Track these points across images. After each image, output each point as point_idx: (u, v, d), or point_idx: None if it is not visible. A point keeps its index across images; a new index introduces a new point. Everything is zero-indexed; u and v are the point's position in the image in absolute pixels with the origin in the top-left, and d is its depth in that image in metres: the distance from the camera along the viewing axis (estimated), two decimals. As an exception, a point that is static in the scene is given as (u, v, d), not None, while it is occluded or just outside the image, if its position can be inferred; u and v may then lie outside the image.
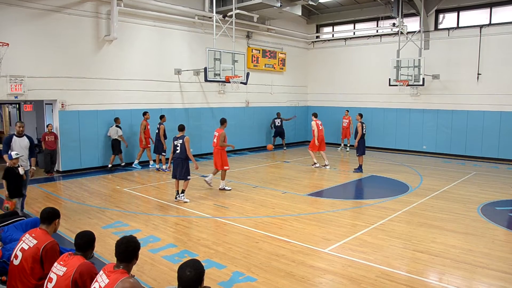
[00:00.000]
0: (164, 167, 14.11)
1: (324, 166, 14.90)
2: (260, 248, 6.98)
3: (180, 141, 10.08)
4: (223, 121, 11.42)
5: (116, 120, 14.11)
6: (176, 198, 10.10)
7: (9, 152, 8.01)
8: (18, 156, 7.94)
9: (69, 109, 13.30)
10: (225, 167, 11.27)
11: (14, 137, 8.47)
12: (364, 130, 13.97)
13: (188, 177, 10.13)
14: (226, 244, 7.21)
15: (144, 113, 14.39)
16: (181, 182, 10.16)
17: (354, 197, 11.59)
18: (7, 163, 7.98)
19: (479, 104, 16.94)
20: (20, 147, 8.41)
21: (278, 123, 19.61)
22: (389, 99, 19.41)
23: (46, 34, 12.60)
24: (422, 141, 18.69)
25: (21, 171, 7.94)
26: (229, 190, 11.26)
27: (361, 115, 14.25)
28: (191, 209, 9.45)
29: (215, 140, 11.35)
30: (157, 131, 14.03)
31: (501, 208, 9.63)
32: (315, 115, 15.30)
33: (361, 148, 14.00)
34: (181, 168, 10.03)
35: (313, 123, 14.92)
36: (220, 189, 11.30)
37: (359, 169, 14.13)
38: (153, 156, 14.75)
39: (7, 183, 7.88)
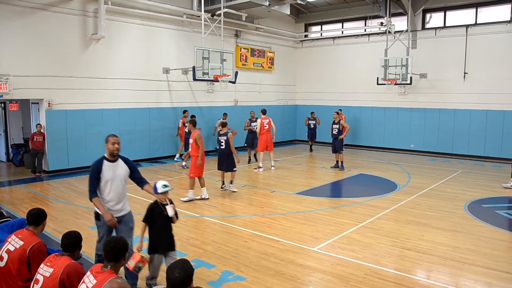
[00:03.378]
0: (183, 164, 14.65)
1: (259, 168, 14.36)
2: (249, 247, 6.98)
3: (225, 137, 10.82)
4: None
5: (224, 115, 16.15)
6: (222, 187, 11.25)
7: (155, 185, 5.31)
8: (167, 189, 5.26)
9: (56, 108, 13.14)
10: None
11: (105, 162, 5.31)
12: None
13: (234, 169, 11.02)
14: (215, 243, 7.20)
15: (184, 111, 15.51)
16: (229, 173, 11.14)
17: (343, 195, 11.64)
18: (158, 197, 5.29)
19: (465, 103, 17.13)
20: (114, 177, 5.30)
21: (255, 128, 15.15)
22: (377, 98, 19.53)
23: (32, 32, 12.44)
24: (409, 140, 18.84)
25: (170, 211, 5.19)
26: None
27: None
28: (179, 208, 9.39)
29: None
30: (187, 130, 14.45)
31: (488, 206, 9.75)
32: (264, 112, 14.84)
33: (342, 146, 14.46)
34: (226, 162, 10.96)
35: (259, 120, 14.46)
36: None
37: (342, 166, 14.36)
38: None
39: (149, 228, 5.37)
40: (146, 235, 5.34)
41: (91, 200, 5.23)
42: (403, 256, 6.65)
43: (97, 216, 5.33)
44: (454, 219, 8.66)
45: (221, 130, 11.01)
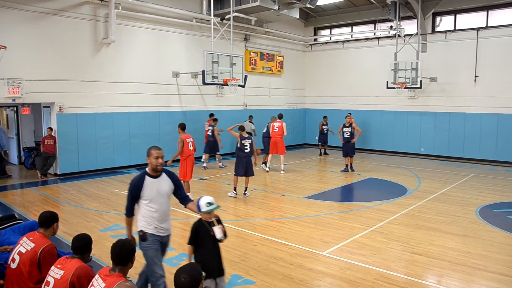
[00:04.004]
0: (220, 164, 15.57)
1: (267, 168, 14.85)
2: (258, 251, 6.97)
3: (249, 141, 10.87)
4: (185, 126, 10.87)
5: (250, 117, 16.66)
6: (245, 194, 10.92)
7: (198, 202, 4.63)
8: (212, 207, 4.58)
9: (67, 112, 13.27)
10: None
11: (147, 178, 4.73)
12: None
13: None
14: (224, 247, 7.11)
15: (211, 115, 15.79)
16: (242, 178, 10.95)
17: (353, 199, 11.59)
18: (203, 217, 4.63)
19: (476, 107, 16.99)
20: (158, 195, 4.74)
21: (265, 133, 15.72)
22: (386, 102, 19.44)
23: (44, 37, 12.59)
24: (420, 144, 18.71)
25: (218, 233, 4.51)
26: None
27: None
28: (188, 212, 9.40)
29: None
30: (210, 133, 15.05)
31: (499, 211, 9.64)
32: (279, 116, 15.06)
33: (354, 149, 14.70)
34: (251, 166, 10.89)
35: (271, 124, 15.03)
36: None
37: (352, 169, 14.59)
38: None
39: (195, 251, 4.66)
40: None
41: (130, 216, 4.82)
42: (413, 261, 6.59)
43: (143, 237, 4.70)
44: (465, 224, 8.57)
45: (242, 133, 10.92)
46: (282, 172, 14.35)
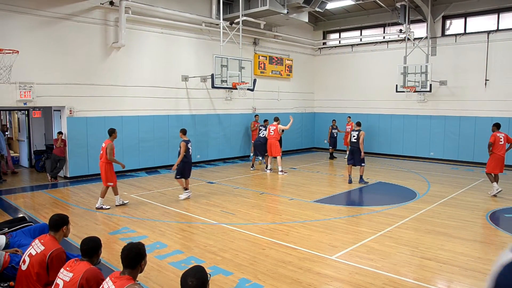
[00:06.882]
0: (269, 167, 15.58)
1: (268, 169, 15.46)
2: (266, 255, 6.96)
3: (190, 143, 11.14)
4: (111, 132, 10.15)
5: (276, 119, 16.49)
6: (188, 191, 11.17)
7: None
8: None
9: (77, 115, 13.39)
10: (109, 184, 9.98)
11: None
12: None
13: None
14: (233, 250, 7.20)
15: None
16: (188, 180, 11.21)
17: (361, 203, 11.54)
18: None
19: (487, 110, 16.83)
20: None
21: (263, 133, 15.82)
22: (396, 106, 19.35)
23: (55, 41, 12.74)
24: (429, 148, 18.59)
25: None
26: (127, 202, 10.35)
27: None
28: (197, 215, 9.45)
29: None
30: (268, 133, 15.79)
31: (510, 215, 9.54)
32: (274, 119, 15.77)
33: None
34: (191, 169, 11.29)
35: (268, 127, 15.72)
36: (117, 205, 10.14)
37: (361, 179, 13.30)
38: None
39: None
40: None
41: None
42: (422, 266, 6.54)
43: None
44: (475, 228, 8.49)
45: (184, 137, 10.98)
46: (280, 173, 14.73)
